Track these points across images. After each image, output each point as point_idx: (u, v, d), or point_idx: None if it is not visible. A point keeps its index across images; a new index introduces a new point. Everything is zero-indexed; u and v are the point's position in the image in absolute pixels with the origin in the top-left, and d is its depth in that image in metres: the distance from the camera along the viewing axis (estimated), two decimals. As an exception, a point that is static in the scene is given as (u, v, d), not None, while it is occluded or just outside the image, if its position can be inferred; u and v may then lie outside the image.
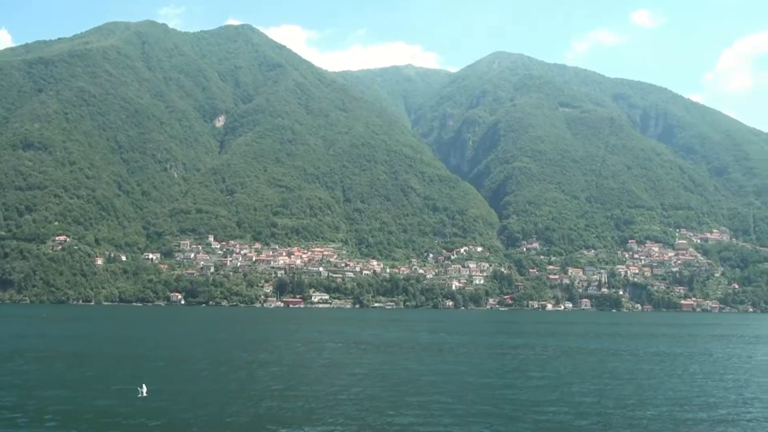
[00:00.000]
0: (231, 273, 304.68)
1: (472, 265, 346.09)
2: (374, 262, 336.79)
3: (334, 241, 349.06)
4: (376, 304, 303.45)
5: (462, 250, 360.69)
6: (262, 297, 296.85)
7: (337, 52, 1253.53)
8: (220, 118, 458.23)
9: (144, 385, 45.44)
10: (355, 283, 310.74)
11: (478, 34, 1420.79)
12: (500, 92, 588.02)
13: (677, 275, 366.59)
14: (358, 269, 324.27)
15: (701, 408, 44.62)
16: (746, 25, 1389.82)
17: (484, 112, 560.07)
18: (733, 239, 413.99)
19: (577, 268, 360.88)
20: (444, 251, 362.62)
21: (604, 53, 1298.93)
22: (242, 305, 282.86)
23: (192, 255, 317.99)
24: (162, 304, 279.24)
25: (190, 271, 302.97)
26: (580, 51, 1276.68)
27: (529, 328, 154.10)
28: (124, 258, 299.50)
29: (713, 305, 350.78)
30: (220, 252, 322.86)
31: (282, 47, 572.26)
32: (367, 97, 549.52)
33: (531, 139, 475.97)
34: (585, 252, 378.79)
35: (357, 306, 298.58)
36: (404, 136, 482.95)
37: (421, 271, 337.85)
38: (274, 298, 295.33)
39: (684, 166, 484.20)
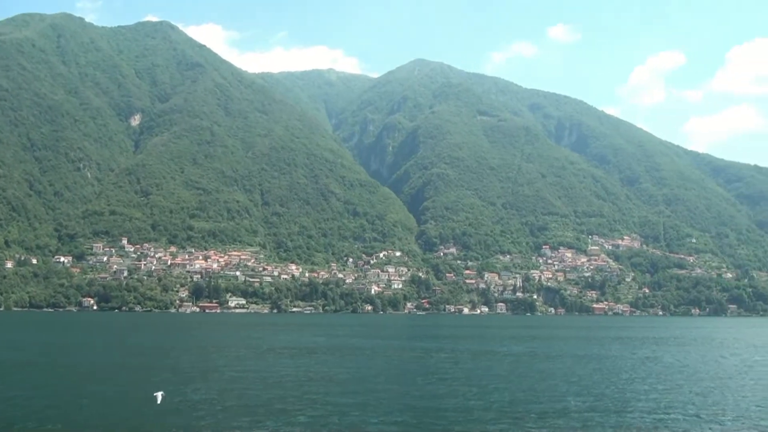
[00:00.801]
0: (145, 277, 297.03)
1: (391, 270, 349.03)
2: (293, 267, 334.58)
3: (252, 245, 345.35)
4: (294, 309, 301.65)
5: (381, 255, 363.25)
6: (178, 302, 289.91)
7: (258, 54, 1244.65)
8: (135, 117, 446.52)
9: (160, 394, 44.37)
10: (273, 288, 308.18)
11: (400, 41, 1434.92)
12: (420, 99, 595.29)
13: (589, 280, 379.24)
14: (276, 273, 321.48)
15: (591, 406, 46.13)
16: (658, 42, 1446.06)
17: (404, 119, 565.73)
18: (644, 246, 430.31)
19: (493, 272, 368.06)
20: (363, 256, 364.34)
21: (521, 65, 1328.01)
22: (157, 310, 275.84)
23: (105, 258, 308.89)
24: (74, 309, 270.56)
25: (102, 275, 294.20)
26: (498, 62, 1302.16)
27: (445, 332, 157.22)
28: (34, 261, 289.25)
29: (624, 309, 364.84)
30: (134, 255, 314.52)
31: (201, 46, 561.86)
32: (288, 100, 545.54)
33: (449, 146, 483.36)
34: (501, 257, 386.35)
35: (275, 311, 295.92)
36: (325, 140, 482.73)
37: (340, 275, 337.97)
38: (190, 303, 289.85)
39: (597, 175, 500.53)
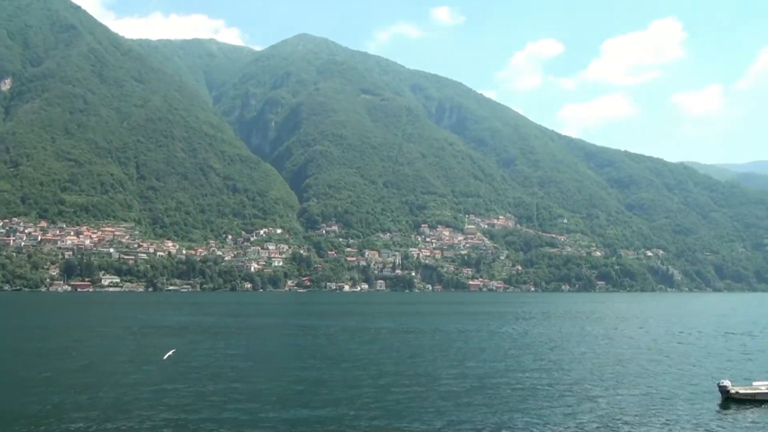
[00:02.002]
0: (14, 254, 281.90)
1: (272, 247, 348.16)
2: (169, 243, 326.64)
3: (126, 221, 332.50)
4: (170, 287, 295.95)
5: (262, 232, 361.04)
6: (48, 280, 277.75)
7: (135, 19, 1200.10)
8: (6, 81, 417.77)
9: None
10: (148, 266, 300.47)
11: (283, 14, 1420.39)
12: (304, 75, 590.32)
13: (466, 258, 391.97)
14: (152, 251, 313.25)
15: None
16: (539, 30, 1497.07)
17: (288, 94, 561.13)
18: (518, 225, 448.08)
19: (373, 250, 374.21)
20: (243, 233, 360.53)
21: (404, 45, 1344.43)
22: (26, 289, 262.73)
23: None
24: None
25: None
26: (382, 41, 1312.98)
27: (325, 309, 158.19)
28: None
29: (498, 285, 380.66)
30: (2, 230, 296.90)
31: (77, 8, 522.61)
32: (167, 70, 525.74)
33: (332, 124, 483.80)
34: (381, 235, 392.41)
35: (150, 289, 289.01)
36: (205, 113, 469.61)
37: (219, 252, 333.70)
38: (62, 282, 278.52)
39: (475, 156, 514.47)
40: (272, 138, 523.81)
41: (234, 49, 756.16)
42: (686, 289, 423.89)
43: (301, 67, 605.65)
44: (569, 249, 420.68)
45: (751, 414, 35.52)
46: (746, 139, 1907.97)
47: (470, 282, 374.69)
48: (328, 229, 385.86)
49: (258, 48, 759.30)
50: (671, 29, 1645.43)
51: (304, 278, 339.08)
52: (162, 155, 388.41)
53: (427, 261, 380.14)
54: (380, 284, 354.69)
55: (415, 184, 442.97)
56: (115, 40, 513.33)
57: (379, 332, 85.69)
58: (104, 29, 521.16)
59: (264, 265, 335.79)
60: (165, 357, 45.39)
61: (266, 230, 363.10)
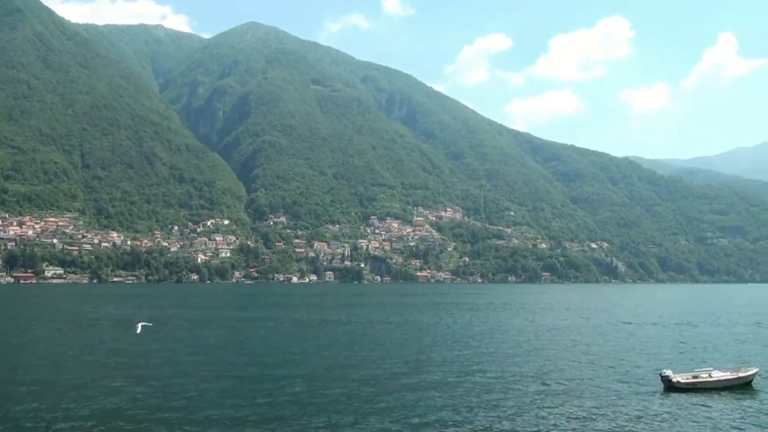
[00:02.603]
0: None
1: (219, 238, 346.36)
2: (114, 234, 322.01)
3: (70, 211, 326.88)
4: (115, 279, 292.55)
5: (209, 223, 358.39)
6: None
7: (81, 3, 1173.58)
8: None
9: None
10: (93, 257, 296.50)
11: (232, 2, 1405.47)
12: (253, 64, 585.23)
13: (414, 249, 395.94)
14: (96, 241, 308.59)
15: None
16: (488, 24, 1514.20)
17: (236, 83, 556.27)
18: (465, 217, 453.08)
19: (322, 242, 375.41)
20: (190, 224, 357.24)
21: (355, 36, 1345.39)
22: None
23: None
24: None
25: None
26: (332, 31, 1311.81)
27: (273, 300, 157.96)
28: None
29: (446, 276, 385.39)
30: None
31: None
32: (113, 56, 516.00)
33: (282, 114, 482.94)
34: (330, 226, 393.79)
35: (95, 281, 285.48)
36: (151, 101, 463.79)
37: (165, 243, 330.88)
38: (4, 274, 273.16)
39: (424, 149, 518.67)
40: (220, 127, 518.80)
41: (182, 36, 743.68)
42: (630, 280, 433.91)
43: (249, 55, 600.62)
44: (515, 241, 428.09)
45: (691, 402, 36.83)
46: (690, 136, 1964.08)
47: (418, 273, 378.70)
48: (276, 220, 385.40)
49: (206, 36, 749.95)
50: (619, 27, 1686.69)
51: (252, 270, 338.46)
52: (107, 143, 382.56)
53: (376, 252, 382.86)
54: (329, 276, 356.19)
55: (364, 176, 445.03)
56: (60, 24, 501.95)
57: (326, 324, 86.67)
58: (50, 13, 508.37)
59: (211, 256, 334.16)
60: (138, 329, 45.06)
61: (213, 221, 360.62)
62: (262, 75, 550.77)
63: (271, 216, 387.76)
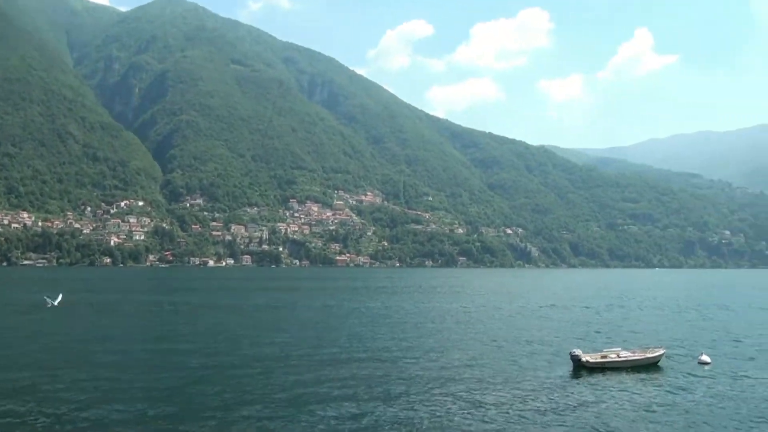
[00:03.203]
0: None
1: (133, 220, 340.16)
2: (25, 215, 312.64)
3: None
4: (26, 262, 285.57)
5: (122, 204, 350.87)
6: None
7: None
8: None
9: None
10: (2, 238, 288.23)
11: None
12: (171, 40, 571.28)
13: (333, 233, 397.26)
14: (5, 222, 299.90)
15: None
16: (410, 10, 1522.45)
17: (153, 59, 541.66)
18: (385, 202, 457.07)
19: (239, 224, 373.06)
20: (103, 204, 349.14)
21: (277, 16, 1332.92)
22: None
23: None
24: None
25: None
26: (254, 10, 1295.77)
27: (188, 284, 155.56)
28: None
29: (365, 260, 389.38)
30: None
31: None
32: (26, 26, 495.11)
33: (200, 93, 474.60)
34: (248, 209, 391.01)
35: (4, 264, 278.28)
36: (65, 76, 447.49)
37: (77, 225, 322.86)
38: None
39: (345, 132, 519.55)
40: (136, 105, 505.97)
41: (98, 8, 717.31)
42: (543, 265, 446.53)
43: (168, 32, 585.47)
44: (433, 226, 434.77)
45: (600, 380, 38.09)
46: (604, 127, 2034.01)
47: (337, 257, 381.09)
48: (192, 202, 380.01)
49: (123, 9, 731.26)
50: (539, 18, 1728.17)
51: (167, 253, 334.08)
52: (18, 119, 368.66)
53: (294, 236, 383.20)
54: (246, 259, 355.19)
55: (284, 159, 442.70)
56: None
57: (240, 308, 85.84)
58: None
59: (125, 239, 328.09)
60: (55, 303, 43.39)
61: (127, 202, 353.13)
62: (181, 52, 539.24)
63: (187, 198, 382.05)
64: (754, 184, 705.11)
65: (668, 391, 35.75)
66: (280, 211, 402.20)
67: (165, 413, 29.82)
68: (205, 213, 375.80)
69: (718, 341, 56.11)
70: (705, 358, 44.76)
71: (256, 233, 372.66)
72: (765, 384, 37.63)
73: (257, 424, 28.21)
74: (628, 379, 38.77)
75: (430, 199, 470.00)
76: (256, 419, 28.84)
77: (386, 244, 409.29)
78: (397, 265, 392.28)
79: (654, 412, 31.20)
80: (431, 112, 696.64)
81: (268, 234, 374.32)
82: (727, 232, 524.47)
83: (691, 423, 29.38)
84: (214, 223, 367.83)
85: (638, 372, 40.87)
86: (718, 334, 61.56)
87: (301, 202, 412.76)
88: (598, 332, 62.24)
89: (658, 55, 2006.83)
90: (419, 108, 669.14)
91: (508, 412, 30.43)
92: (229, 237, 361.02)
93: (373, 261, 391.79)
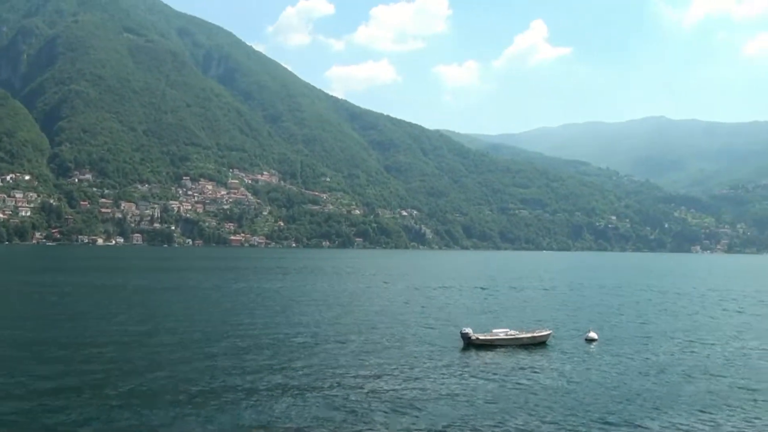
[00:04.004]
0: None
1: (19, 195, 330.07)
2: None
3: None
4: None
5: (8, 178, 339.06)
6: None
7: None
8: None
9: None
10: None
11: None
12: (62, 4, 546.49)
13: (228, 212, 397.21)
14: None
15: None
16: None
17: (43, 24, 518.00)
18: (282, 182, 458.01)
19: (130, 202, 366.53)
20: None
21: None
22: None
23: None
24: None
25: None
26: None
27: (74, 264, 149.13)
28: None
29: (260, 241, 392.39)
30: None
31: None
32: None
33: (91, 62, 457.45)
34: (139, 186, 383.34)
35: None
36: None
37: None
38: None
39: (241, 109, 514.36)
40: (23, 72, 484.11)
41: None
42: (436, 247, 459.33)
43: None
44: (330, 207, 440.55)
45: (488, 357, 40.01)
46: (498, 114, 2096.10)
47: (232, 237, 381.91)
48: (81, 177, 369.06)
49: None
50: (437, 4, 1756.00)
51: (54, 230, 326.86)
52: None
53: (187, 215, 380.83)
54: (137, 238, 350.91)
55: (178, 135, 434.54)
56: None
57: (122, 289, 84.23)
58: None
59: (10, 215, 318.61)
60: None
61: (13, 176, 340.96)
62: (72, 18, 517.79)
63: (75, 173, 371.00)
64: (639, 172, 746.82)
65: (553, 367, 37.56)
66: (173, 188, 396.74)
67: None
68: (95, 189, 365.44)
69: (604, 319, 59.79)
70: (592, 335, 47.49)
71: (148, 211, 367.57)
72: (644, 359, 40.42)
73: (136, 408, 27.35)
74: (515, 357, 40.44)
75: (328, 179, 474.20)
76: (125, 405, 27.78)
77: (282, 224, 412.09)
78: (294, 245, 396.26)
79: (537, 387, 32.56)
80: (330, 92, 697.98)
81: (160, 212, 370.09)
82: (614, 218, 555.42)
83: (574, 397, 30.73)
84: (104, 200, 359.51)
85: (526, 350, 42.70)
86: (604, 313, 65.85)
87: (194, 180, 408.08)
88: (489, 312, 65.00)
89: (552, 46, 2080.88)
90: (318, 87, 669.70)
91: (398, 390, 31.13)
92: (119, 215, 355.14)
93: (268, 241, 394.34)
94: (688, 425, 26.39)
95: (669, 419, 27.10)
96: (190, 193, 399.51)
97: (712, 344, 46.44)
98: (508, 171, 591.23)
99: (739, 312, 69.49)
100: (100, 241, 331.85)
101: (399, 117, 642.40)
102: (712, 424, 26.70)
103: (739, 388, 33.14)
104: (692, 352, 43.51)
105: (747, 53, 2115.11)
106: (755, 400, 30.56)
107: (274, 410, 27.27)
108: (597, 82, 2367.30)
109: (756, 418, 27.23)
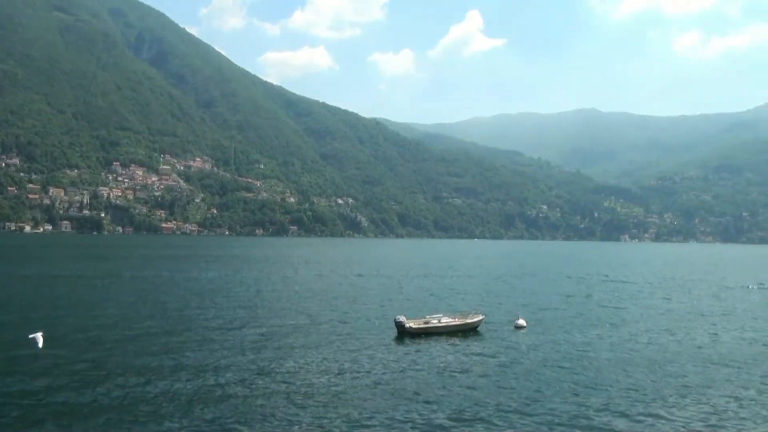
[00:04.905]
0: None
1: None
2: None
3: None
4: None
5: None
6: None
7: None
8: None
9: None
10: None
11: None
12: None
13: (159, 199, 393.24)
14: None
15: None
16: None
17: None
18: (215, 168, 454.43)
19: (59, 188, 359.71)
20: None
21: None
22: None
23: None
24: None
25: None
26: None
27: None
28: None
29: (192, 228, 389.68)
30: None
31: None
32: None
33: (19, 41, 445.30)
34: (68, 171, 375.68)
35: None
36: None
37: None
38: None
39: (174, 93, 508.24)
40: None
41: None
42: (372, 235, 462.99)
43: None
44: (265, 194, 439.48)
45: (421, 344, 40.25)
46: (433, 103, 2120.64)
47: (163, 225, 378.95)
48: (8, 161, 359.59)
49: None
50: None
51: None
52: None
53: (118, 201, 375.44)
54: (66, 225, 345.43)
55: (108, 118, 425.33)
56: None
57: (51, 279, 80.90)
58: None
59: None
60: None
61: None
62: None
63: (2, 156, 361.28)
64: (570, 163, 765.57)
65: (485, 354, 38.13)
66: (103, 174, 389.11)
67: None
68: (22, 174, 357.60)
69: (533, 307, 60.56)
70: (521, 321, 48.06)
71: (77, 197, 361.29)
72: (570, 345, 41.45)
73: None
74: (448, 344, 40.80)
75: (262, 167, 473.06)
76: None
77: (215, 211, 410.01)
78: (227, 233, 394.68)
79: (466, 373, 33.10)
80: (265, 78, 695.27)
81: (90, 198, 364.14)
82: (545, 207, 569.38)
83: (501, 382, 31.51)
84: (31, 186, 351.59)
85: (459, 336, 43.08)
86: (534, 300, 66.76)
87: (125, 166, 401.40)
88: (423, 299, 65.59)
89: (487, 38, 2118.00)
90: (253, 73, 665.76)
91: (332, 380, 31.07)
92: (47, 201, 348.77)
93: (201, 229, 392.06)
94: (609, 408, 27.45)
95: (591, 401, 28.34)
96: (120, 179, 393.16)
97: (636, 330, 48.53)
98: (443, 160, 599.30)
99: (665, 299, 72.49)
100: (27, 229, 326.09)
101: (335, 105, 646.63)
102: (637, 405, 27.90)
103: (661, 369, 34.83)
104: (617, 337, 45.25)
105: (676, 49, 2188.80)
106: (687, 385, 31.89)
107: (194, 411, 25.77)
108: (530, 74, 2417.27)
109: (676, 401, 28.84)
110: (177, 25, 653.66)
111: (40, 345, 34.05)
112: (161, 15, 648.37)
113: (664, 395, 29.71)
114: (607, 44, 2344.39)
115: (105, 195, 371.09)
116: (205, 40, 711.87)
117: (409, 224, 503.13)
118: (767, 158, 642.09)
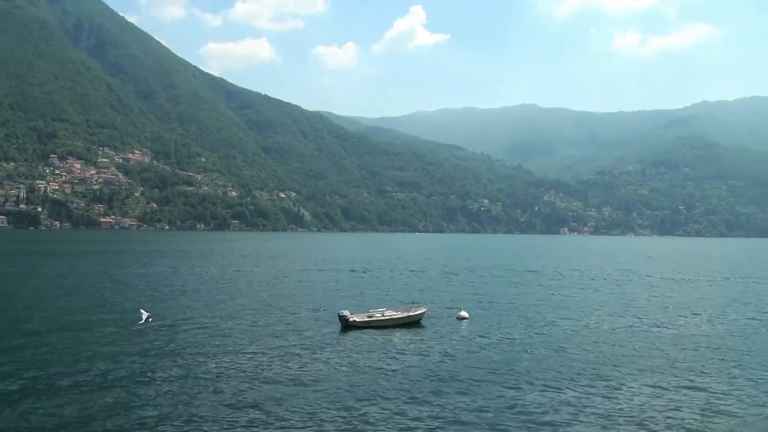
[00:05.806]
0: None
1: None
2: None
3: None
4: None
5: None
6: None
7: None
8: None
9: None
10: None
11: None
12: None
13: (98, 193, 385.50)
14: None
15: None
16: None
17: None
18: (154, 161, 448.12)
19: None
20: None
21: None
22: None
23: None
24: None
25: None
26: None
27: None
28: None
29: (132, 223, 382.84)
30: None
31: None
32: None
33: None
34: (4, 164, 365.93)
35: None
36: None
37: None
38: None
39: (113, 84, 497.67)
40: None
41: None
42: (315, 229, 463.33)
43: None
44: (206, 188, 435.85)
45: (365, 337, 41.14)
46: (376, 97, 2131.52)
47: (102, 219, 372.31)
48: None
49: None
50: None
51: None
52: None
53: (55, 195, 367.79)
54: (2, 220, 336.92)
55: (45, 109, 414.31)
56: None
57: None
58: None
59: None
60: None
61: None
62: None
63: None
64: (512, 157, 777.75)
65: (427, 345, 39.30)
66: (40, 167, 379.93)
67: None
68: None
69: (474, 299, 62.50)
70: (463, 313, 49.60)
71: (13, 191, 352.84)
72: (510, 335, 42.95)
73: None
74: (392, 337, 41.92)
75: (203, 160, 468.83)
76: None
77: (155, 205, 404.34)
78: (167, 228, 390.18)
79: (408, 365, 33.93)
80: (206, 70, 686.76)
81: (26, 192, 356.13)
82: (486, 201, 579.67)
83: (442, 373, 32.26)
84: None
85: (402, 329, 44.33)
86: (474, 293, 68.79)
87: (62, 158, 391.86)
88: (365, 293, 66.81)
89: (431, 32, 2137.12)
90: (193, 64, 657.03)
91: (275, 375, 31.18)
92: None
93: (140, 223, 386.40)
94: (548, 395, 28.75)
95: (527, 386, 29.86)
96: (57, 172, 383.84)
97: (572, 319, 50.80)
98: (387, 154, 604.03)
99: (597, 290, 76.36)
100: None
101: (278, 97, 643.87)
102: (574, 392, 29.34)
103: (595, 357, 36.93)
104: (554, 326, 46.92)
105: (616, 48, 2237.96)
106: (620, 370, 33.98)
107: (130, 405, 25.94)
108: (473, 69, 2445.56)
109: (615, 387, 30.34)
110: (116, 14, 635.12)
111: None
112: (100, 2, 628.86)
113: (595, 376, 32.24)
114: (549, 41, 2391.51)
115: (42, 189, 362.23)
116: (144, 29, 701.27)
117: (353, 218, 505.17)
118: (703, 154, 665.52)
